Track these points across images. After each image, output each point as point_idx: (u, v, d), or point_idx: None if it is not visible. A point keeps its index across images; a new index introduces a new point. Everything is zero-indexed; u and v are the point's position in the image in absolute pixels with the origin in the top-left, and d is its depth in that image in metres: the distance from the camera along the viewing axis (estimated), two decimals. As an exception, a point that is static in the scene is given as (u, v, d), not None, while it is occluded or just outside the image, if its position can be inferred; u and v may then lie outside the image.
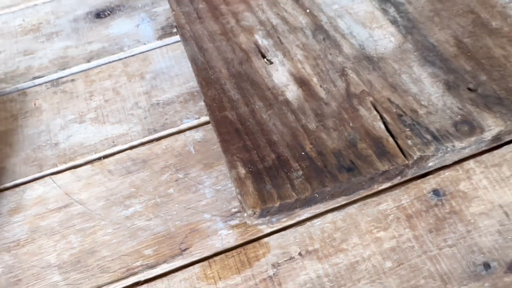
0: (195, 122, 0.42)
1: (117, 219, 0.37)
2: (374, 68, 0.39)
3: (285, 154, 0.34)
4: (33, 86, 0.46)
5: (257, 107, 0.37)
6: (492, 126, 0.35)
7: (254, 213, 0.32)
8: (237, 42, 0.41)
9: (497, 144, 0.39)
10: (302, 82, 0.38)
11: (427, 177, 0.38)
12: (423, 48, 0.40)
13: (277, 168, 0.34)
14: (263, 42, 0.41)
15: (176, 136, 0.42)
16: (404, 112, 0.36)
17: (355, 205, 0.37)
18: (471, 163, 0.38)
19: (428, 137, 0.35)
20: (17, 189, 0.39)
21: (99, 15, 0.51)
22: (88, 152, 0.41)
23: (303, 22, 0.42)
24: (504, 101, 0.36)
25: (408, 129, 0.35)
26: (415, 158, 0.34)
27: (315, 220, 0.36)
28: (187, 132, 0.42)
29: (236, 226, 0.36)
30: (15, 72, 0.47)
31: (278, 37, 0.41)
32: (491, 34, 0.41)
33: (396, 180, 0.37)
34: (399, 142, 0.35)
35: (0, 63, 0.47)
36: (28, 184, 0.40)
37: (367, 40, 0.41)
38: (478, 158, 0.39)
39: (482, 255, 0.34)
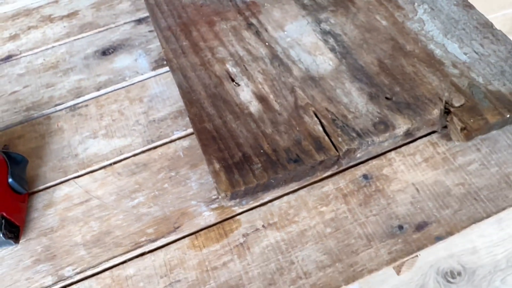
0: (183, 133, 0.55)
1: (126, 208, 0.49)
2: (316, 86, 0.51)
3: (249, 152, 0.47)
4: (55, 112, 0.58)
5: (228, 119, 0.49)
6: (402, 124, 0.47)
7: (226, 195, 0.44)
8: (212, 71, 0.54)
9: (412, 139, 0.51)
10: (261, 99, 0.51)
11: (359, 166, 0.50)
12: (354, 68, 0.52)
13: (243, 163, 0.46)
14: (233, 69, 0.54)
15: (169, 144, 0.54)
16: (337, 117, 0.48)
17: (305, 189, 0.49)
18: (392, 154, 0.51)
19: (354, 134, 0.47)
20: (48, 190, 0.51)
21: (105, 52, 0.64)
22: (101, 160, 0.53)
23: (263, 53, 0.55)
24: (412, 105, 0.49)
25: (339, 130, 0.47)
26: (344, 150, 0.46)
27: (275, 201, 0.48)
28: (177, 141, 0.54)
29: (216, 208, 0.48)
30: (40, 101, 0.59)
31: (244, 65, 0.54)
32: (405, 55, 0.53)
33: (334, 169, 0.49)
34: (332, 139, 0.47)
35: (28, 95, 0.60)
36: (56, 186, 0.51)
37: (312, 64, 0.53)
38: (398, 150, 0.51)
39: (397, 220, 0.46)
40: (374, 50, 0.54)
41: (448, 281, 1.31)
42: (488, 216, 0.45)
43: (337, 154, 0.46)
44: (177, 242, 0.46)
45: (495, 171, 0.49)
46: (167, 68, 0.60)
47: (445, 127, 0.50)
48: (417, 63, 0.52)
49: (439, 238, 0.44)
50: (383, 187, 0.48)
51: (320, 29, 0.57)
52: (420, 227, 0.45)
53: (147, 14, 0.67)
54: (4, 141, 0.56)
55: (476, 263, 1.34)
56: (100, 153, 0.53)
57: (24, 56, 0.64)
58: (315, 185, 0.49)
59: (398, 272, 0.50)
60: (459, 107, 0.48)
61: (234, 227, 0.47)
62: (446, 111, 0.49)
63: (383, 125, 0.47)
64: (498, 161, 0.49)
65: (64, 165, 0.53)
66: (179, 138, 0.54)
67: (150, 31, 0.65)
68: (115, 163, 0.53)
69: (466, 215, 0.46)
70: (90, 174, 0.52)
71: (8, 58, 0.64)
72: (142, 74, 0.61)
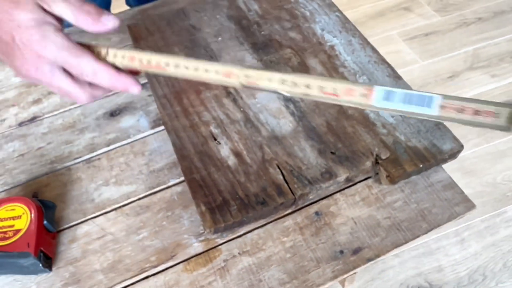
0: (177, 180, 0.70)
1: (133, 242, 0.63)
2: (279, 143, 0.67)
3: (227, 197, 0.62)
4: (74, 164, 0.73)
5: (211, 171, 0.65)
6: (342, 173, 0.63)
7: (210, 231, 0.59)
8: (199, 132, 0.69)
9: (352, 183, 0.67)
10: (237, 154, 0.66)
11: (312, 205, 0.65)
12: (308, 129, 0.68)
13: (223, 205, 0.61)
14: (215, 130, 0.69)
15: (166, 190, 0.69)
16: (294, 168, 0.64)
17: (270, 224, 0.64)
18: (337, 195, 0.66)
19: (306, 182, 0.62)
20: (71, 228, 0.65)
21: (112, 114, 0.79)
22: (113, 203, 0.68)
23: (239, 117, 0.71)
24: (350, 158, 0.65)
25: (295, 179, 0.63)
26: (298, 195, 0.61)
27: (248, 234, 0.63)
28: (173, 187, 0.69)
29: (203, 240, 0.63)
30: (61, 156, 0.74)
31: (224, 127, 0.70)
32: (347, 118, 0.69)
33: (293, 208, 0.64)
34: (290, 186, 0.62)
35: (51, 150, 0.75)
36: (78, 225, 0.66)
37: (276, 126, 0.69)
38: (342, 191, 0.66)
39: (339, 246, 0.61)
40: (324, 114, 0.70)
41: (417, 298, 1.45)
42: (406, 242, 0.61)
43: (294, 197, 0.61)
44: (174, 267, 0.61)
45: (414, 207, 0.64)
46: (163, 127, 0.76)
47: (377, 173, 0.66)
48: (356, 124, 0.68)
49: (369, 259, 0.60)
50: (330, 221, 0.63)
51: (283, 97, 0.73)
52: (356, 251, 0.60)
53: (146, 80, 0.83)
54: (34, 189, 0.70)
55: (441, 280, 1.49)
56: (111, 198, 0.68)
57: (46, 118, 0.79)
58: (278, 220, 0.64)
59: (343, 286, 0.65)
60: (385, 159, 0.64)
61: (217, 254, 0.62)
62: (377, 162, 0.65)
63: (328, 174, 0.63)
64: (416, 199, 0.65)
65: (83, 208, 0.67)
66: (174, 185, 0.69)
67: (149, 95, 0.81)
68: (123, 206, 0.67)
69: (390, 241, 0.61)
70: (104, 215, 0.66)
71: (33, 119, 0.79)
72: (143, 132, 0.76)
